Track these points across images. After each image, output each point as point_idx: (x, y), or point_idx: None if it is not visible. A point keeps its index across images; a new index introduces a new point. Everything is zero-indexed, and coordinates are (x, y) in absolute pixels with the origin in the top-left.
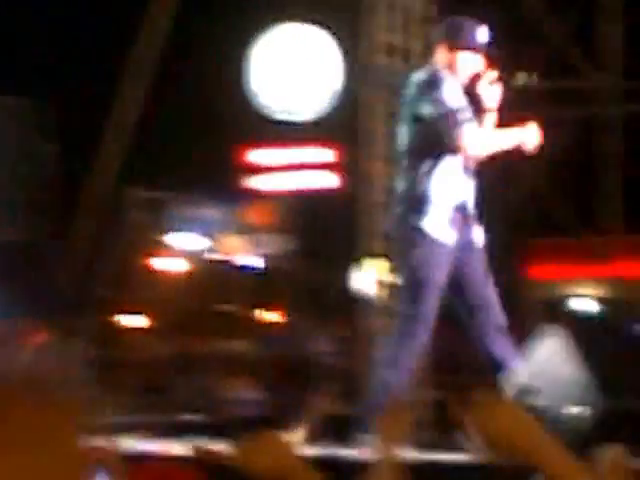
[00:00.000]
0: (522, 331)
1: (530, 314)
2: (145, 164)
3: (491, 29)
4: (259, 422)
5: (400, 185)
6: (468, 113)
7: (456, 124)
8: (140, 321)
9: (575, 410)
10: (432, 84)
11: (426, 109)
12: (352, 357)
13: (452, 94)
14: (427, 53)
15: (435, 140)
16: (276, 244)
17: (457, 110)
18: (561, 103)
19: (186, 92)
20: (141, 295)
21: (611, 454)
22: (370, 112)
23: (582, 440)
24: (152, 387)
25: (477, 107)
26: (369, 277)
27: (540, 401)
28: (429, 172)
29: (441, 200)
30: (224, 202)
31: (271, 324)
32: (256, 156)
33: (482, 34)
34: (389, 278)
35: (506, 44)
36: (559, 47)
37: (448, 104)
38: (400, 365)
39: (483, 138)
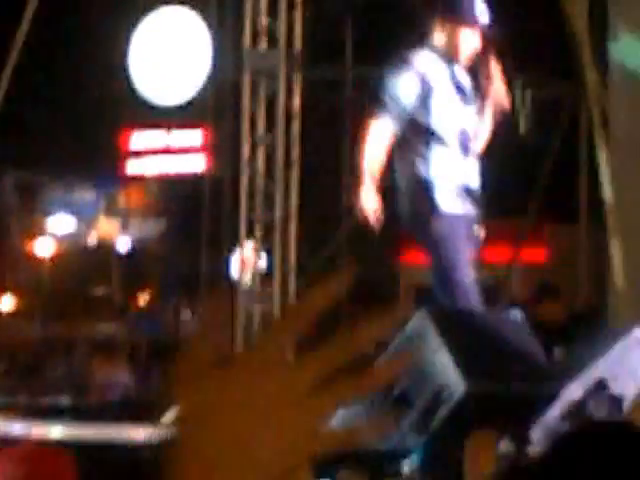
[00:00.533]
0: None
1: (405, 299)
2: (17, 148)
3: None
4: (127, 405)
5: (404, 169)
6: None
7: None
8: (9, 303)
9: (443, 395)
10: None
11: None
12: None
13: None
14: (293, 38)
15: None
16: (147, 227)
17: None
18: None
19: (59, 75)
20: (11, 277)
21: (479, 439)
22: (246, 96)
23: (451, 425)
24: (21, 369)
25: (479, 89)
26: (238, 260)
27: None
28: (426, 156)
29: (444, 182)
30: (97, 185)
31: (141, 307)
32: (130, 140)
33: (481, 9)
34: (256, 261)
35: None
36: None
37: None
38: None
39: None
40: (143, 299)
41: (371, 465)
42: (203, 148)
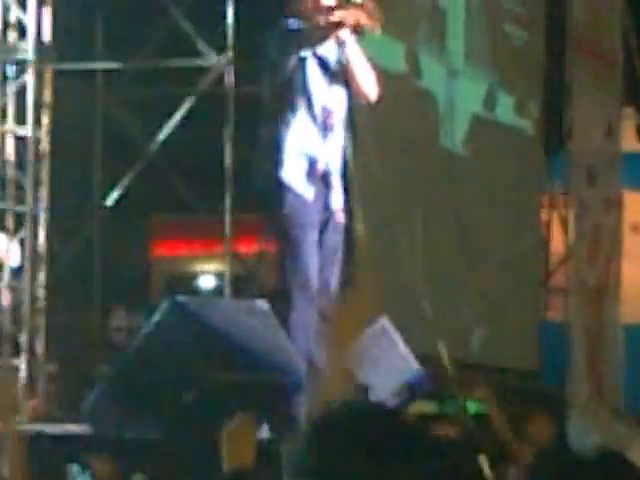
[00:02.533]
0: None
1: (155, 290)
2: None
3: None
4: None
5: (266, 137)
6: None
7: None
8: None
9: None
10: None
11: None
12: None
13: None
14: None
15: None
16: None
17: None
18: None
19: None
20: None
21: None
22: None
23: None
24: None
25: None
26: None
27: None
28: (286, 121)
29: (294, 149)
30: None
31: None
32: None
33: None
34: (10, 254)
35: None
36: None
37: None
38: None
39: None
40: None
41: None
42: None
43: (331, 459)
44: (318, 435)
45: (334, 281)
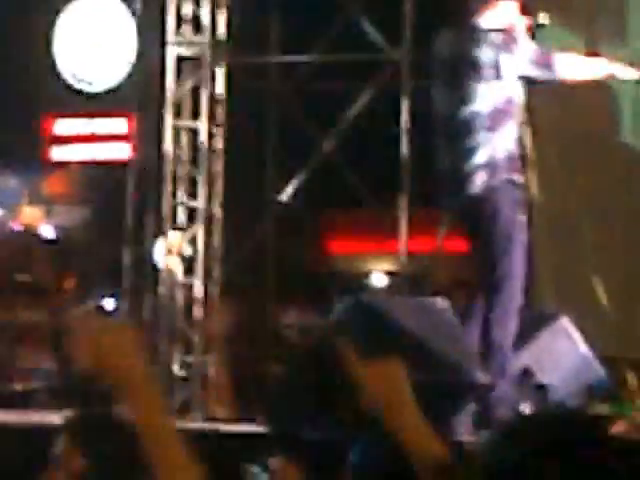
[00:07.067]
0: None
1: (328, 287)
2: None
3: None
4: (51, 392)
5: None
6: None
7: None
8: None
9: None
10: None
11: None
12: (154, 330)
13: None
14: (217, 25)
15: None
16: (71, 214)
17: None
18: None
19: None
20: None
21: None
22: (170, 83)
23: None
24: None
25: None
26: (163, 249)
27: None
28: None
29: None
30: (20, 172)
31: (64, 294)
32: (55, 126)
33: None
34: (183, 250)
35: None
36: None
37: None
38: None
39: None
40: (67, 286)
41: (307, 454)
42: (128, 136)
43: (526, 463)
44: (514, 438)
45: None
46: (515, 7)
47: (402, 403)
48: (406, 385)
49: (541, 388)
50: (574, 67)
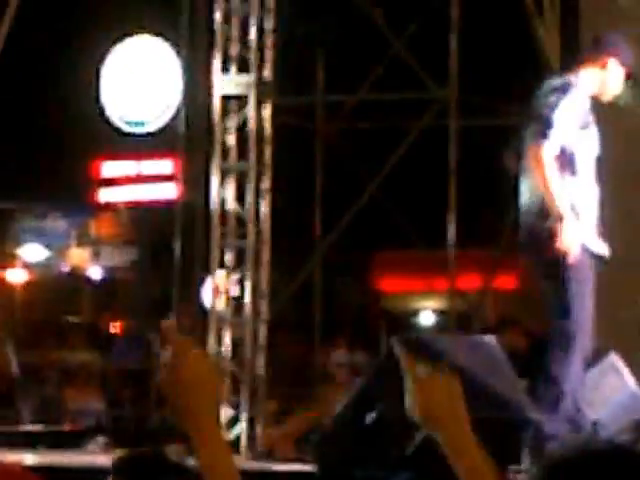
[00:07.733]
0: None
1: (378, 326)
2: None
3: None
4: (101, 433)
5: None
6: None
7: None
8: None
9: None
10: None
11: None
12: None
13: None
14: (264, 65)
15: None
16: (118, 255)
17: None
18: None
19: (29, 104)
20: None
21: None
22: (217, 123)
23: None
24: None
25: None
26: (212, 288)
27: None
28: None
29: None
30: (68, 214)
31: (113, 335)
32: (101, 168)
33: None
34: (230, 289)
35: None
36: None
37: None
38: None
39: None
40: (115, 327)
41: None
42: (174, 176)
43: None
44: (562, 473)
45: None
46: (621, 75)
47: (458, 417)
48: (462, 400)
49: (592, 424)
50: None
